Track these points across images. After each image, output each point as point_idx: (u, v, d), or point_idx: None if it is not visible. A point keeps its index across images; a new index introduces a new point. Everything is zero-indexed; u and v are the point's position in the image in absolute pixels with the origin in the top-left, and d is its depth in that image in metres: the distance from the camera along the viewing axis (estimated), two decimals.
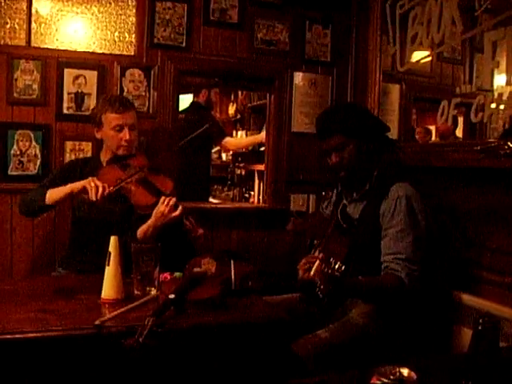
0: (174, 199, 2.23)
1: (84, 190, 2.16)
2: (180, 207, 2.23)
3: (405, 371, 0.99)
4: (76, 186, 2.21)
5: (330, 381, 1.24)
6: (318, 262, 1.63)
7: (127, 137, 2.39)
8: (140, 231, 2.29)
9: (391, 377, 0.97)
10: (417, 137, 2.99)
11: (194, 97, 4.27)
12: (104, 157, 2.50)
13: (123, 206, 2.36)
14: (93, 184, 2.14)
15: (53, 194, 2.28)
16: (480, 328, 1.06)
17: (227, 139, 4.29)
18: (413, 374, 0.99)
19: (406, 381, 0.97)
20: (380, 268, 1.99)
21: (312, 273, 1.64)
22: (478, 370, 1.06)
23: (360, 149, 2.07)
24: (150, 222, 2.26)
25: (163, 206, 2.22)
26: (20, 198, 2.49)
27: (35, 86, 2.76)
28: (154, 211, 2.24)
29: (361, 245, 2.02)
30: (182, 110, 4.09)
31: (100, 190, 2.13)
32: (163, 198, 2.24)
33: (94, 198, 2.13)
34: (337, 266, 1.61)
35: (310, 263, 1.72)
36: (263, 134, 3.97)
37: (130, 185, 2.30)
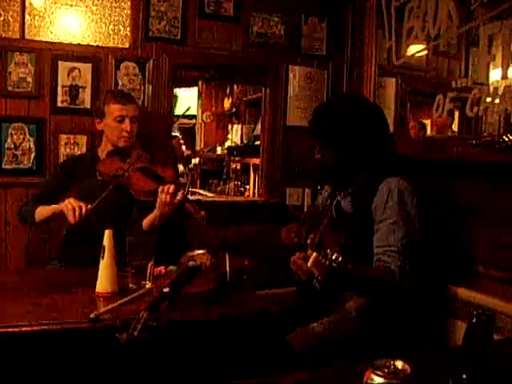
0: (172, 186, 2.24)
1: (62, 213, 2.16)
2: (181, 192, 2.24)
3: (399, 364, 0.99)
4: (56, 208, 2.23)
5: (324, 374, 1.24)
6: (315, 253, 1.63)
7: (128, 128, 2.42)
8: (146, 222, 2.29)
9: (385, 370, 0.97)
10: (411, 131, 2.98)
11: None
12: (102, 151, 2.51)
13: (124, 197, 2.36)
14: (70, 206, 2.12)
15: (39, 215, 2.33)
16: (474, 321, 1.06)
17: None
18: (407, 366, 0.99)
19: (400, 373, 0.97)
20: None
21: (309, 264, 1.63)
22: (472, 363, 1.06)
23: (338, 155, 2.07)
24: (155, 212, 2.27)
25: (164, 194, 2.23)
26: (19, 208, 2.51)
27: (29, 79, 2.74)
28: (158, 201, 2.25)
29: (354, 239, 2.01)
30: None
31: (77, 211, 2.11)
32: (161, 187, 2.24)
33: (72, 221, 2.12)
34: (334, 257, 1.60)
35: (305, 255, 1.71)
36: None
37: (132, 173, 2.33)
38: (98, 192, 2.31)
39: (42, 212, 2.32)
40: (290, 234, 2.18)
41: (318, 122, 2.12)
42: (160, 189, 2.24)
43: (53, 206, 2.27)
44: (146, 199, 2.30)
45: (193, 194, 4.51)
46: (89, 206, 2.15)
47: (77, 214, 2.11)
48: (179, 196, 2.23)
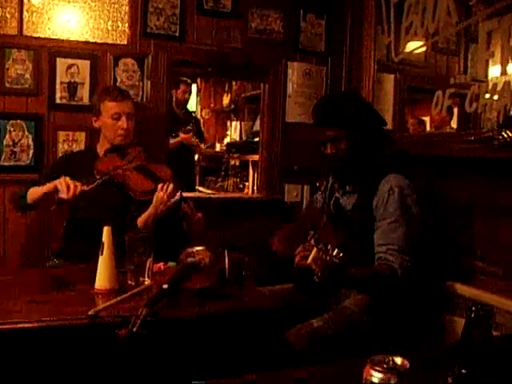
0: (171, 185, 2.24)
1: (56, 189, 2.13)
2: (179, 192, 2.24)
3: (398, 360, 0.99)
4: (49, 185, 2.19)
5: (324, 370, 1.24)
6: (315, 249, 1.63)
7: (125, 125, 2.41)
8: (141, 220, 2.29)
9: (384, 365, 0.97)
10: (411, 128, 2.98)
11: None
12: (101, 148, 2.51)
13: (121, 195, 2.35)
14: (64, 182, 2.11)
15: (32, 194, 2.30)
16: (472, 316, 1.06)
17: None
18: (406, 362, 0.99)
19: (399, 369, 0.97)
20: (373, 259, 1.99)
21: (309, 260, 1.63)
22: (470, 359, 1.06)
23: (357, 142, 2.05)
24: (150, 210, 2.27)
25: (162, 192, 2.23)
26: (12, 191, 2.50)
27: (27, 76, 2.74)
28: (154, 199, 2.25)
29: (354, 236, 2.01)
30: None
31: (72, 188, 2.10)
32: (161, 184, 2.24)
33: (65, 196, 2.09)
34: (335, 253, 1.60)
35: (306, 251, 1.71)
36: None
37: (129, 172, 2.33)
38: (96, 191, 2.30)
39: (35, 191, 2.28)
40: (284, 243, 2.14)
41: (336, 110, 2.08)
42: (159, 186, 2.24)
43: (45, 185, 2.23)
44: (143, 199, 2.29)
45: (192, 190, 4.51)
46: (84, 186, 2.13)
47: (71, 190, 2.09)
48: (177, 196, 2.23)
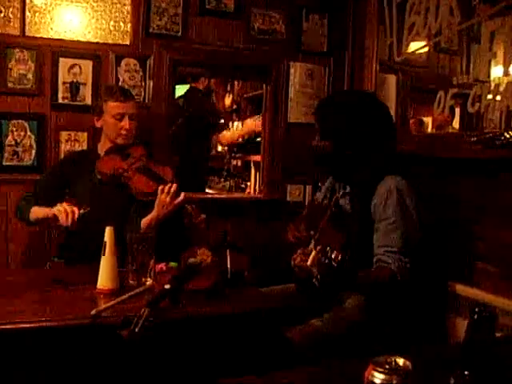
0: (174, 186, 2.23)
1: (55, 217, 2.12)
2: (182, 193, 2.23)
3: (400, 360, 0.99)
4: (48, 212, 2.18)
5: (325, 370, 1.24)
6: (314, 251, 1.63)
7: (127, 126, 2.40)
8: (144, 223, 2.28)
9: (387, 366, 0.97)
10: (412, 128, 2.98)
11: (191, 83, 4.31)
12: (102, 148, 2.50)
13: (123, 196, 2.35)
14: (62, 209, 2.09)
15: (34, 214, 2.31)
16: (476, 318, 1.06)
17: (223, 133, 4.29)
18: (408, 363, 0.99)
19: (401, 370, 0.97)
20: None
21: (309, 263, 1.63)
22: (473, 360, 1.06)
23: (337, 145, 2.06)
24: (153, 213, 2.25)
25: (164, 194, 2.21)
26: (17, 203, 2.50)
27: (30, 76, 2.74)
28: (156, 201, 2.23)
29: (354, 238, 2.01)
30: (180, 95, 4.18)
31: (70, 215, 2.08)
32: (161, 186, 2.23)
33: (65, 224, 2.09)
34: (333, 256, 1.60)
35: (306, 253, 1.71)
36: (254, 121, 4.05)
37: (131, 173, 2.32)
38: (97, 191, 2.30)
39: (37, 213, 2.29)
40: (294, 232, 2.17)
41: (324, 110, 2.13)
42: (160, 188, 2.23)
43: (45, 209, 2.22)
44: (146, 200, 2.29)
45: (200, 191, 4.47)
46: (81, 210, 2.12)
47: (69, 217, 2.08)
48: (180, 198, 2.22)
